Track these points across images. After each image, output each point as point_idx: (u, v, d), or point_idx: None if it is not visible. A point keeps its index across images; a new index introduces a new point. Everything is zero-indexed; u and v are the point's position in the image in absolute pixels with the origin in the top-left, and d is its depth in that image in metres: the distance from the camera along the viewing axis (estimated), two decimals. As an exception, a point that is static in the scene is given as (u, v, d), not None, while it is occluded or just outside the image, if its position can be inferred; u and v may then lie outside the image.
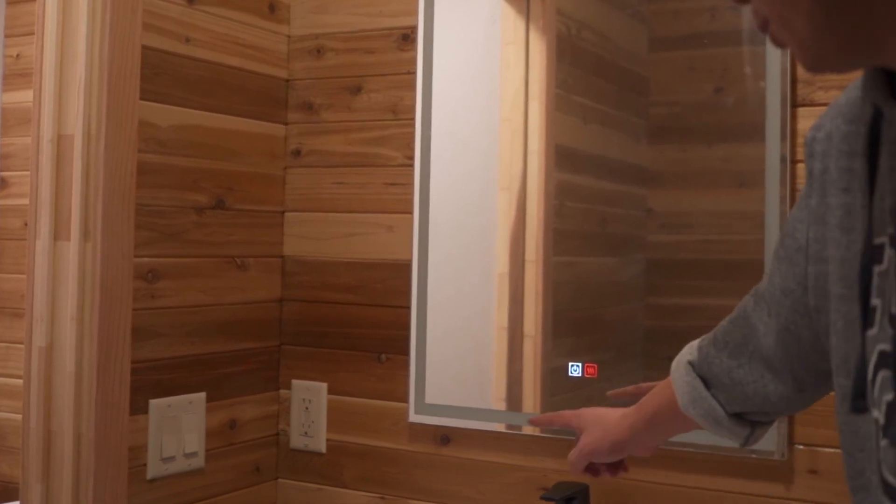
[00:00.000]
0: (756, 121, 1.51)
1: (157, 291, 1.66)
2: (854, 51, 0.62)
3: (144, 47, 1.61)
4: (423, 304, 1.76)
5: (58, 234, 1.53)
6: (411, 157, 1.80)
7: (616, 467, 1.29)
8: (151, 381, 1.65)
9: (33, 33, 1.57)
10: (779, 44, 0.66)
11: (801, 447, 1.49)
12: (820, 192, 0.80)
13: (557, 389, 1.66)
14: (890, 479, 0.68)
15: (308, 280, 1.90)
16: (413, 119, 1.80)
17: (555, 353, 1.66)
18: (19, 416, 1.58)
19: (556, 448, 1.66)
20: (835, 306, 0.77)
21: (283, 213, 1.92)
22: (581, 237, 1.64)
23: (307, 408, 1.88)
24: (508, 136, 1.70)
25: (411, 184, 1.80)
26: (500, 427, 1.70)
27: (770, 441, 1.49)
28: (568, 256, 1.65)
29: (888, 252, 0.69)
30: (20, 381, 1.59)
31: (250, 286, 1.85)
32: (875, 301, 0.70)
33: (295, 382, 1.90)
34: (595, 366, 1.62)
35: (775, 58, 1.51)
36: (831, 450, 1.47)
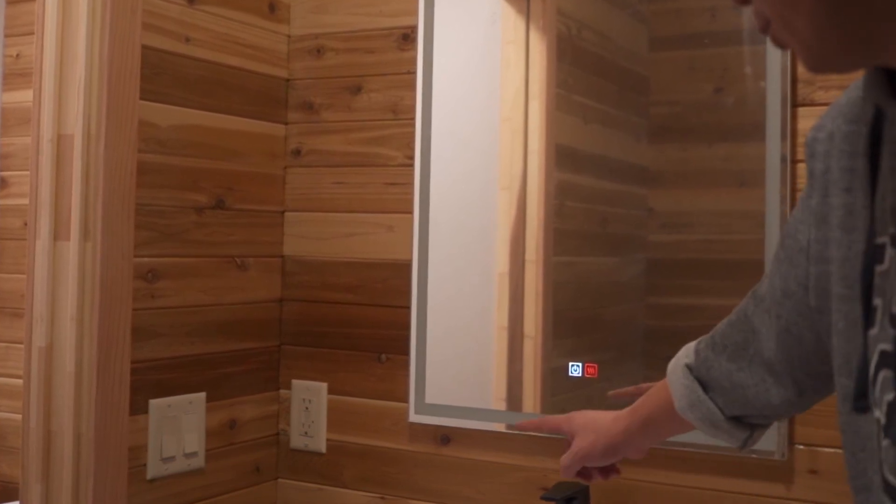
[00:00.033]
0: (756, 120, 1.51)
1: (157, 291, 1.66)
2: (856, 50, 0.62)
3: (144, 47, 1.61)
4: (424, 304, 1.76)
5: (58, 233, 1.53)
6: (411, 157, 1.80)
7: (608, 470, 1.29)
8: (151, 381, 1.65)
9: (33, 33, 1.57)
10: (780, 45, 0.66)
11: (801, 447, 1.49)
12: (821, 192, 0.80)
13: (558, 389, 1.66)
14: (891, 478, 0.68)
15: (308, 280, 1.90)
16: (413, 119, 1.80)
17: (555, 353, 1.66)
18: (19, 416, 1.58)
19: (556, 448, 1.66)
20: (836, 306, 0.77)
21: (283, 212, 1.92)
22: (581, 237, 1.64)
23: (307, 408, 1.88)
24: (509, 135, 1.70)
25: (411, 183, 1.79)
26: (500, 427, 1.70)
27: (770, 441, 1.49)
28: (568, 256, 1.65)
29: (889, 252, 0.69)
30: (20, 381, 1.59)
31: (250, 286, 1.85)
32: (876, 301, 0.70)
33: (295, 382, 1.90)
34: (595, 366, 1.62)
35: (776, 57, 1.50)
36: (832, 450, 1.47)
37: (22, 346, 1.57)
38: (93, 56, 1.53)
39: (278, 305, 1.92)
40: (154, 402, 1.65)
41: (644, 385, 1.30)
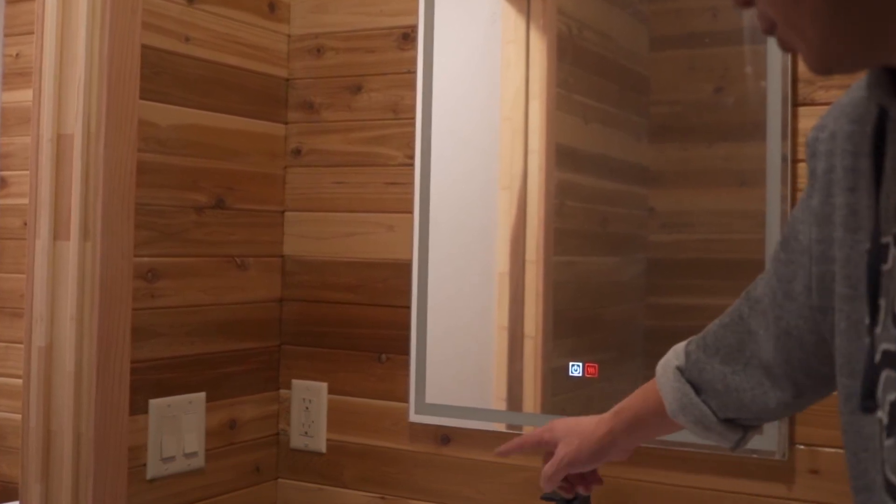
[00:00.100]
0: (757, 120, 1.51)
1: (157, 291, 1.66)
2: (860, 49, 0.62)
3: (144, 46, 1.61)
4: (424, 304, 1.76)
5: (57, 233, 1.53)
6: (411, 157, 1.80)
7: (590, 481, 1.28)
8: (151, 380, 1.65)
9: (33, 32, 1.57)
10: (786, 47, 0.66)
11: (802, 447, 1.49)
12: (824, 191, 0.79)
13: (558, 389, 1.66)
14: (893, 478, 0.67)
15: (308, 280, 1.89)
16: (413, 118, 1.80)
17: (555, 352, 1.66)
18: (19, 416, 1.58)
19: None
20: (839, 306, 0.76)
21: (283, 212, 1.92)
22: (582, 237, 1.64)
23: (307, 408, 1.88)
24: (509, 135, 1.70)
25: (412, 183, 1.79)
26: (500, 427, 1.70)
27: (771, 441, 1.49)
28: (568, 256, 1.65)
29: (893, 251, 0.68)
30: (20, 381, 1.59)
31: (250, 286, 1.85)
32: (881, 300, 0.69)
33: (295, 382, 1.90)
34: (596, 366, 1.62)
35: (776, 57, 1.50)
36: (832, 450, 1.47)
37: (22, 345, 1.57)
38: (93, 55, 1.53)
39: (278, 305, 1.91)
40: (154, 402, 1.65)
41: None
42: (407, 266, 1.80)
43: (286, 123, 1.92)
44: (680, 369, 1.05)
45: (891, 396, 0.67)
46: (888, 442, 0.67)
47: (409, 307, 1.78)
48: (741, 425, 1.04)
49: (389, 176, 1.83)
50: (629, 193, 1.61)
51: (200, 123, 1.74)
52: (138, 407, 1.62)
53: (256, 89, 1.86)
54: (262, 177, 1.88)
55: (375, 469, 1.82)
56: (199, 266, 1.74)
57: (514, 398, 1.69)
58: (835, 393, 0.82)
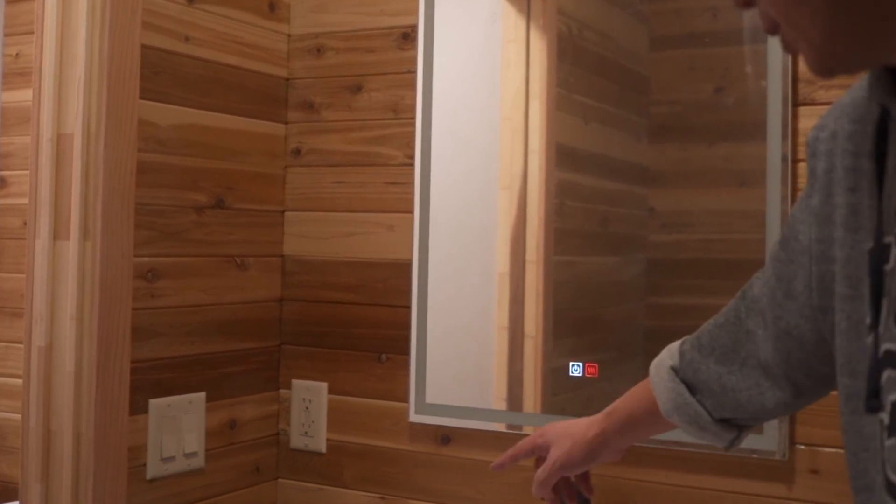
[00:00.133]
0: (757, 120, 1.51)
1: (157, 291, 1.66)
2: (861, 49, 0.62)
3: (144, 46, 1.61)
4: (424, 304, 1.76)
5: (57, 233, 1.53)
6: (412, 157, 1.80)
7: (583, 489, 1.28)
8: (151, 380, 1.65)
9: (33, 32, 1.56)
10: (790, 48, 0.66)
11: (802, 447, 1.49)
12: (824, 191, 0.79)
13: (558, 389, 1.66)
14: (894, 478, 0.67)
15: (308, 280, 1.89)
16: (413, 118, 1.80)
17: (555, 352, 1.66)
18: (19, 416, 1.58)
19: (556, 448, 1.66)
20: (839, 306, 0.76)
21: (283, 212, 1.92)
22: (582, 236, 1.64)
23: (307, 408, 1.88)
24: (509, 135, 1.70)
25: (412, 183, 1.79)
26: (500, 427, 1.70)
27: (771, 441, 1.49)
28: (569, 256, 1.65)
29: (895, 251, 0.68)
30: (20, 381, 1.59)
31: (250, 286, 1.85)
32: (883, 300, 0.69)
33: (295, 382, 1.89)
34: (596, 365, 1.62)
35: (776, 57, 1.50)
36: (833, 450, 1.47)
37: (22, 345, 1.57)
38: (92, 55, 1.53)
39: (278, 305, 1.91)
40: (154, 402, 1.65)
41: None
42: (407, 266, 1.80)
43: (286, 123, 1.92)
44: (674, 369, 1.05)
45: (892, 396, 0.67)
46: (889, 442, 0.67)
47: (409, 307, 1.78)
48: (736, 425, 1.04)
49: (389, 176, 1.83)
50: (629, 193, 1.61)
51: (200, 123, 1.74)
52: (138, 407, 1.62)
53: (256, 89, 1.86)
54: (262, 177, 1.87)
55: (375, 469, 1.82)
56: (199, 266, 1.74)
57: (515, 398, 1.69)
58: (835, 393, 0.82)
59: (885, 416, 0.68)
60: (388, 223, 1.82)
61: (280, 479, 1.91)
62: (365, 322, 1.84)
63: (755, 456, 1.50)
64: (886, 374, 0.68)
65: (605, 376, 1.61)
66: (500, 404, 1.70)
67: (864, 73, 0.71)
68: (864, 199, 0.74)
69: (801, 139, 1.50)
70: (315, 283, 1.89)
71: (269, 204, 1.89)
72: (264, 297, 1.88)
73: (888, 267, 0.69)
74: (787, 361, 0.92)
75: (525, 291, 1.68)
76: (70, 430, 1.51)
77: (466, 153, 1.74)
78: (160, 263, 1.67)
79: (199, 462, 1.73)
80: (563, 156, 1.66)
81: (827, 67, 0.64)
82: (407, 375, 1.79)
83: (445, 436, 1.76)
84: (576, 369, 1.63)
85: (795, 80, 1.51)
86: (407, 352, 1.78)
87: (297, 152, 1.91)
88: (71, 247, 1.52)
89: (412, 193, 1.79)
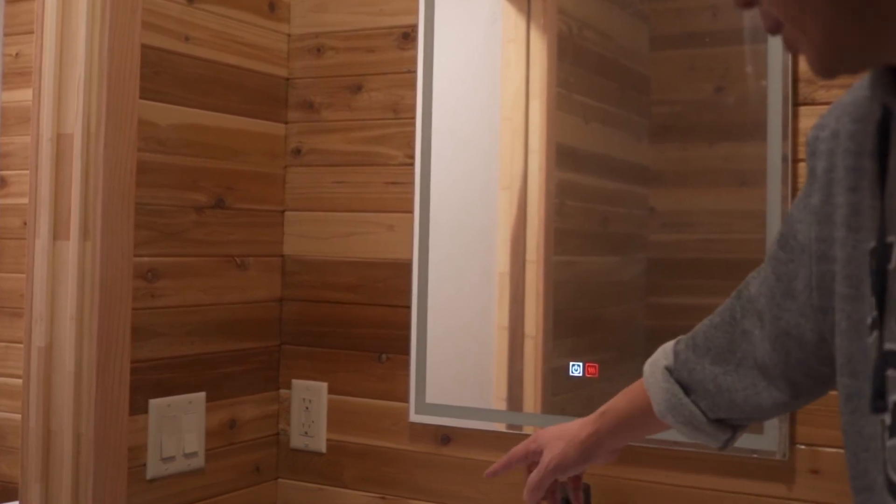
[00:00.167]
0: (757, 119, 1.51)
1: (157, 291, 1.66)
2: (863, 48, 0.62)
3: (144, 46, 1.61)
4: (424, 304, 1.76)
5: (57, 233, 1.53)
6: (412, 156, 1.80)
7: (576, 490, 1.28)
8: (151, 380, 1.65)
9: (32, 32, 1.56)
10: (792, 48, 0.66)
11: (802, 447, 1.49)
12: (824, 191, 0.79)
13: (558, 389, 1.66)
14: (895, 478, 0.67)
15: (308, 279, 1.89)
16: (413, 118, 1.79)
17: (556, 352, 1.66)
18: (19, 416, 1.58)
19: (556, 448, 1.65)
20: (839, 306, 0.76)
21: (283, 212, 1.92)
22: (582, 236, 1.64)
23: (307, 408, 1.88)
24: (509, 134, 1.70)
25: (412, 183, 1.79)
26: (500, 427, 1.70)
27: (771, 441, 1.48)
28: (569, 256, 1.65)
29: (896, 251, 0.68)
30: (20, 381, 1.59)
31: (250, 286, 1.85)
32: (886, 300, 0.69)
33: (295, 382, 1.89)
34: (596, 365, 1.62)
35: (777, 57, 1.50)
36: (833, 450, 1.47)
37: (22, 345, 1.57)
38: (92, 55, 1.52)
39: (278, 305, 1.91)
40: (154, 402, 1.65)
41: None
42: (407, 266, 1.79)
43: (286, 123, 1.92)
44: (669, 369, 1.05)
45: (894, 397, 0.67)
46: (891, 442, 0.67)
47: (409, 307, 1.78)
48: (731, 425, 1.04)
49: (389, 176, 1.82)
50: (629, 193, 1.61)
51: (200, 123, 1.74)
52: (138, 407, 1.62)
53: (256, 89, 1.86)
54: (262, 176, 1.87)
55: (375, 469, 1.82)
56: (199, 266, 1.74)
57: (515, 398, 1.69)
58: (835, 393, 0.82)
59: (887, 417, 0.68)
60: (388, 223, 1.82)
61: (280, 479, 1.91)
62: (365, 322, 1.84)
63: (755, 456, 1.50)
64: (888, 375, 0.68)
65: (605, 376, 1.61)
66: (501, 404, 1.70)
67: (866, 72, 0.71)
68: (865, 199, 0.74)
69: (802, 139, 1.50)
70: (315, 283, 1.89)
71: (269, 204, 1.89)
72: (264, 297, 1.88)
73: (891, 266, 0.69)
74: (786, 361, 0.92)
75: (525, 291, 1.68)
76: (70, 430, 1.51)
77: (466, 153, 1.74)
78: (160, 263, 1.67)
79: (199, 462, 1.73)
80: (563, 156, 1.66)
81: (828, 67, 0.64)
82: (407, 375, 1.79)
83: (445, 436, 1.76)
84: (576, 369, 1.63)
85: (796, 79, 1.50)
86: (407, 352, 1.78)
87: (297, 152, 1.91)
88: (71, 247, 1.52)
89: (412, 193, 1.78)
